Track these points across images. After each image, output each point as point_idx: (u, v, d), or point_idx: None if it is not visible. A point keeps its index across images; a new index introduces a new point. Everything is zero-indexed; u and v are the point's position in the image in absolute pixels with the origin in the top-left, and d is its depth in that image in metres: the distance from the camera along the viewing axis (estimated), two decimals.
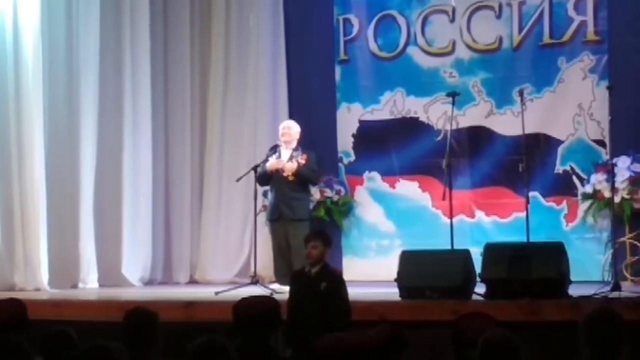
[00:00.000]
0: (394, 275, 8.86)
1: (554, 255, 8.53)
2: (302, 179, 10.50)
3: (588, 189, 10.70)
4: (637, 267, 10.46)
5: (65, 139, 11.37)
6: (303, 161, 10.46)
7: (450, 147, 9.82)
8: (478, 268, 8.66)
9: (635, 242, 10.46)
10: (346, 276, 8.89)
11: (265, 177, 10.47)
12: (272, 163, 10.38)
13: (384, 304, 8.53)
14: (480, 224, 11.48)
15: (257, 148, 12.15)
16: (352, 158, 12.23)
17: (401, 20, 12.07)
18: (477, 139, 11.56)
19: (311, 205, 11.09)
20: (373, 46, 12.19)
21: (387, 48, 12.13)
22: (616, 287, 8.51)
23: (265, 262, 11.06)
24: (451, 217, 9.56)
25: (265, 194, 11.09)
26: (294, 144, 10.60)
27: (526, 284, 8.19)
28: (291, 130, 10.67)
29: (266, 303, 5.62)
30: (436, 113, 11.73)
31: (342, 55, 12.34)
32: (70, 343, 5.18)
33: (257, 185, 10.49)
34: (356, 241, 12.13)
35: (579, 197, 10.94)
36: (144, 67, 12.17)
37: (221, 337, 4.52)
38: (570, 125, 11.14)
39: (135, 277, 11.88)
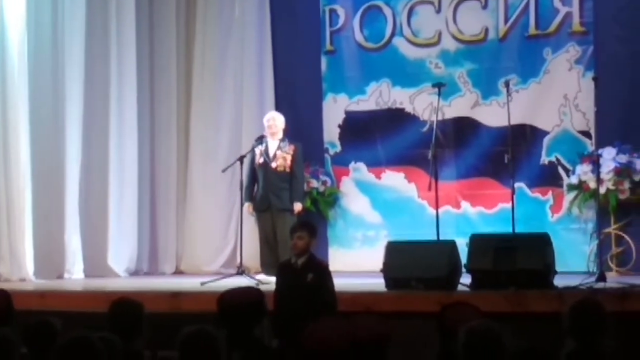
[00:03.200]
0: (380, 266, 8.87)
1: (539, 246, 8.54)
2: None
3: (573, 179, 10.72)
4: (622, 258, 10.50)
5: (51, 130, 11.34)
6: (291, 152, 10.51)
7: (436, 138, 9.79)
8: (464, 259, 8.68)
9: (621, 233, 10.50)
10: (332, 267, 8.89)
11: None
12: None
13: (370, 294, 8.54)
14: (466, 214, 11.49)
15: (243, 139, 12.16)
16: (338, 149, 12.23)
17: (387, 11, 12.06)
18: (462, 129, 11.57)
19: None
20: (359, 37, 12.18)
21: (373, 39, 12.13)
22: (601, 278, 8.53)
23: (251, 252, 11.08)
24: (437, 207, 9.57)
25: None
26: (279, 135, 10.63)
27: (512, 275, 8.21)
28: (276, 121, 10.69)
29: (250, 294, 5.62)
30: (422, 104, 11.73)
31: (328, 46, 12.33)
32: (54, 333, 5.17)
33: (243, 176, 10.49)
34: (342, 232, 12.14)
35: (565, 188, 10.95)
36: (130, 58, 12.15)
37: (210, 326, 4.54)
38: (555, 116, 11.15)
39: (121, 268, 11.87)
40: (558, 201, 11.10)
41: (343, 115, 12.21)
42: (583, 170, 10.54)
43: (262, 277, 9.98)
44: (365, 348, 4.48)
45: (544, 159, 11.19)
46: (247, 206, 10.65)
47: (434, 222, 9.47)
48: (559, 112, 11.13)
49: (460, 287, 8.54)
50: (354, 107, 12.15)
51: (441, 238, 9.36)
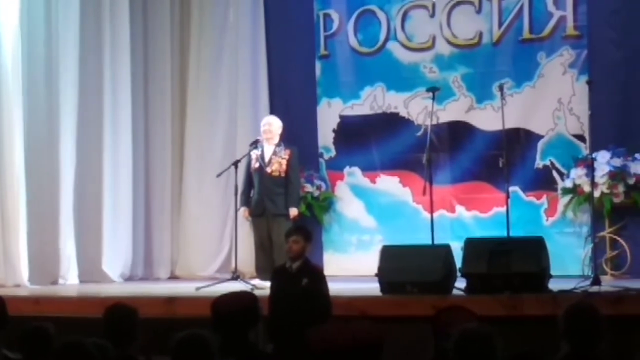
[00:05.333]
0: (375, 270, 8.87)
1: (534, 249, 8.56)
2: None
3: (568, 183, 10.73)
4: (616, 261, 10.50)
5: (45, 135, 11.33)
6: (286, 157, 10.49)
7: (430, 142, 9.83)
8: (458, 263, 8.68)
9: (615, 237, 10.50)
10: (327, 271, 8.91)
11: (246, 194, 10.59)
12: None
13: (365, 299, 8.54)
14: (461, 218, 11.49)
15: (238, 143, 12.14)
16: (333, 153, 12.23)
17: (381, 15, 12.06)
18: (457, 134, 11.56)
19: None
20: (353, 41, 12.18)
21: (367, 43, 12.12)
22: (596, 281, 8.56)
23: (246, 257, 11.07)
24: (432, 212, 9.59)
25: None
26: (276, 140, 10.62)
27: (506, 279, 8.22)
28: (272, 126, 10.67)
29: (243, 298, 5.61)
30: (416, 108, 11.72)
31: (322, 51, 12.33)
32: (48, 339, 5.17)
33: (237, 181, 10.48)
34: (337, 236, 12.13)
35: (559, 191, 10.96)
36: (124, 62, 12.13)
37: (204, 331, 4.53)
38: (550, 120, 11.16)
39: (116, 273, 11.85)
40: (553, 205, 11.10)
41: (337, 120, 12.20)
42: (577, 174, 10.54)
43: (257, 282, 9.97)
44: (358, 353, 4.48)
45: (539, 163, 11.19)
46: (243, 211, 10.64)
47: (428, 226, 9.48)
48: (553, 115, 11.14)
49: (455, 291, 8.54)
50: (349, 112, 12.14)
51: (436, 242, 9.38)
